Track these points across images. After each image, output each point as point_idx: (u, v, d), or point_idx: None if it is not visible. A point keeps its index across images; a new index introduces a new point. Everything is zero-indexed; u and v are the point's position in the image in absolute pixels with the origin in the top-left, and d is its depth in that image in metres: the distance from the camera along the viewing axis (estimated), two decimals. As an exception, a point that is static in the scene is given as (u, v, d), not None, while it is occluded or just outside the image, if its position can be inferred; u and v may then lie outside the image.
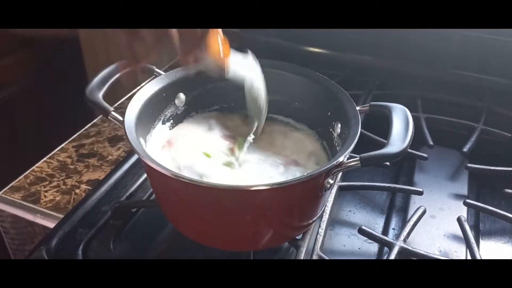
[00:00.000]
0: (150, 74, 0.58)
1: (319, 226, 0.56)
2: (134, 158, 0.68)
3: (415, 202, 0.63)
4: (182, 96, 0.59)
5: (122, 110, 0.51)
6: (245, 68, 0.54)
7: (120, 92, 0.86)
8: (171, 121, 0.59)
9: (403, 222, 0.61)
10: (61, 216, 0.60)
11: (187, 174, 0.51)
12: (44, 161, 0.71)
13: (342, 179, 0.65)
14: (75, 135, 0.77)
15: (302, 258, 0.52)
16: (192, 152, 0.56)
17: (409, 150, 0.66)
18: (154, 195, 0.62)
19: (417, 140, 0.63)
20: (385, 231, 0.61)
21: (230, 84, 0.61)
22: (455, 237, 0.59)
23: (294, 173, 0.54)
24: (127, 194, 0.62)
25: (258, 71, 0.56)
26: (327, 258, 0.53)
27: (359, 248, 0.58)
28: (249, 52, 0.56)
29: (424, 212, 0.59)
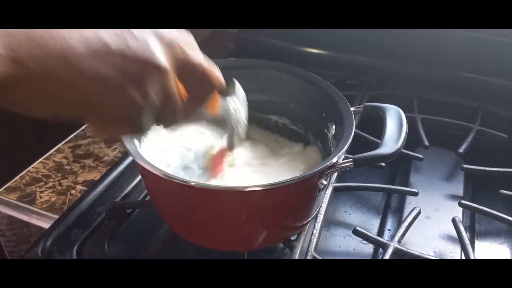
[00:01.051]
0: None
1: (314, 227, 0.56)
2: (129, 159, 0.68)
3: (411, 202, 0.63)
4: None
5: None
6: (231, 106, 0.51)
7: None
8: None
9: (399, 222, 0.61)
10: (57, 216, 0.60)
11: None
12: (40, 161, 0.71)
13: (338, 180, 0.65)
14: (71, 136, 0.77)
15: (296, 258, 0.52)
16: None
17: (405, 151, 0.67)
18: (149, 196, 0.62)
19: (413, 141, 0.64)
20: (380, 232, 0.61)
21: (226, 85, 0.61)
22: (450, 238, 0.59)
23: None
24: (122, 194, 0.62)
25: (243, 108, 0.53)
26: (321, 259, 0.53)
27: (354, 249, 0.58)
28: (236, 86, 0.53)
29: (419, 213, 0.59)
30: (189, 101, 0.36)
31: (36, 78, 0.27)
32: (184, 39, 0.33)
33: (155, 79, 0.30)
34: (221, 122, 0.53)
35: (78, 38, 0.28)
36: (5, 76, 0.26)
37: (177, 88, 0.33)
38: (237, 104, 0.51)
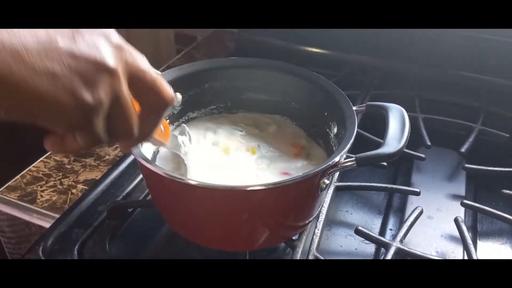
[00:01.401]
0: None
1: (316, 227, 0.56)
2: (130, 158, 0.68)
3: (412, 202, 0.63)
4: (178, 95, 0.59)
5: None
6: (179, 146, 0.54)
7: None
8: (167, 120, 0.59)
9: (400, 222, 0.61)
10: (58, 216, 0.60)
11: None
12: (41, 160, 0.71)
13: (339, 180, 0.65)
14: (73, 135, 0.76)
15: (298, 258, 0.52)
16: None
17: (407, 150, 0.67)
18: (150, 195, 0.62)
19: (415, 140, 0.64)
20: (382, 232, 0.60)
21: (227, 84, 0.61)
22: (452, 238, 0.59)
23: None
24: (124, 194, 0.62)
25: (189, 150, 0.55)
26: (322, 259, 0.52)
27: (355, 249, 0.58)
28: (186, 129, 0.57)
29: (421, 213, 0.59)
30: (143, 114, 0.35)
31: None
32: (131, 48, 0.34)
33: (104, 79, 0.30)
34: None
35: (29, 34, 0.28)
36: None
37: (129, 93, 0.33)
38: (186, 143, 0.54)
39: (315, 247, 0.54)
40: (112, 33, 0.32)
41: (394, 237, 0.55)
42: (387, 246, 0.54)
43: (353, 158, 0.46)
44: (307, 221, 0.53)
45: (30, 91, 0.28)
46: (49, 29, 0.29)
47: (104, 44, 0.31)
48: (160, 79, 0.34)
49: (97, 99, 0.30)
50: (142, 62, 0.33)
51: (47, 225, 0.60)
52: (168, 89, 0.35)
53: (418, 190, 0.62)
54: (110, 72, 0.30)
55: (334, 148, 0.55)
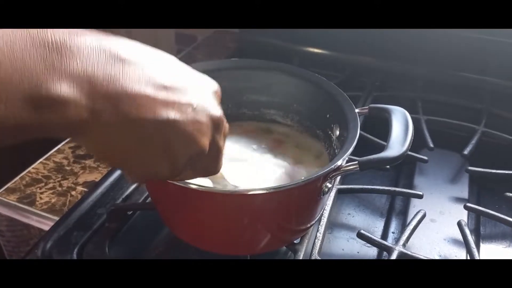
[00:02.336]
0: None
1: (317, 230, 0.55)
2: (131, 159, 0.67)
3: (415, 205, 0.63)
4: None
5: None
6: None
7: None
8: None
9: (403, 225, 0.60)
10: (57, 218, 0.60)
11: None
12: (40, 162, 0.70)
13: (341, 182, 0.64)
14: (72, 136, 0.76)
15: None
16: None
17: (409, 152, 0.65)
18: (150, 198, 0.61)
19: (417, 143, 0.63)
20: (384, 235, 0.60)
21: (227, 86, 0.61)
22: (455, 241, 0.59)
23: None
24: (123, 196, 0.62)
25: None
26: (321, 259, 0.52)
27: (358, 252, 0.57)
28: None
29: (424, 216, 0.58)
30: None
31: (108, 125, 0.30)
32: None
33: (219, 127, 0.36)
34: None
35: (150, 88, 0.31)
36: (77, 121, 0.29)
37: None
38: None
39: (317, 250, 0.53)
40: (214, 84, 0.38)
41: (396, 240, 0.55)
42: (389, 250, 0.53)
43: (356, 162, 0.45)
44: (309, 225, 0.53)
45: (151, 136, 0.32)
46: (162, 76, 0.33)
47: (212, 96, 0.36)
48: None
49: (214, 145, 0.36)
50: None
51: (46, 227, 0.59)
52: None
53: (420, 193, 0.61)
54: (222, 120, 0.36)
55: (336, 150, 0.55)
